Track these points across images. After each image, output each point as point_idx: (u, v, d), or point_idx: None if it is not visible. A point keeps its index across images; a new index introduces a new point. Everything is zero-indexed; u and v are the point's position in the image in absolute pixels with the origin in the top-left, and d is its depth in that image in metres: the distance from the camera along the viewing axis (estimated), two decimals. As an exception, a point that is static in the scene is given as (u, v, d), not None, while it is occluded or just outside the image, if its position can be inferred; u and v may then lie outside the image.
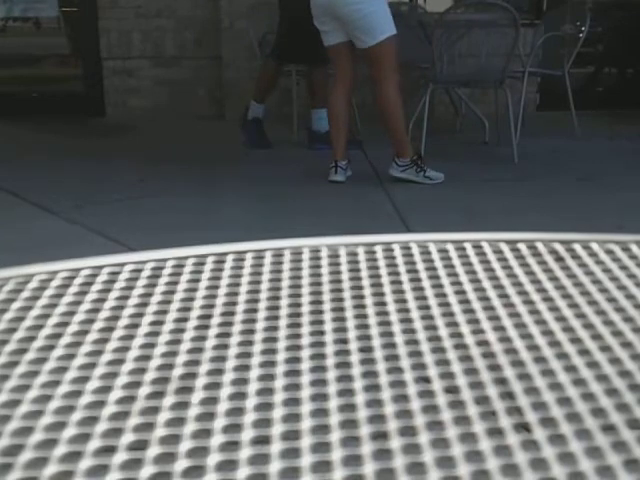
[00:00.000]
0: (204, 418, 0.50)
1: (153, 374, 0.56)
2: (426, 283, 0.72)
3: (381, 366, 0.57)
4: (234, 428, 0.49)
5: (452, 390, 0.53)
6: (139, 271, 0.74)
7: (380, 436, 0.48)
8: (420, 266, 0.76)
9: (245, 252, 0.79)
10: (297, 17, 4.86)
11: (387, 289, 0.71)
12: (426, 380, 0.55)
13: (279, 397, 0.52)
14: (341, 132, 4.42)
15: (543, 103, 6.64)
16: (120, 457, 0.46)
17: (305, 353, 0.59)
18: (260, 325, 0.63)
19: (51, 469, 0.45)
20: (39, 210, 3.96)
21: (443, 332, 0.62)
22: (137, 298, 0.69)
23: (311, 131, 5.31)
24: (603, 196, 4.16)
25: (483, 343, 0.60)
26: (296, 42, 5.07)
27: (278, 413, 0.50)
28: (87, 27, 6.59)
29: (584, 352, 0.59)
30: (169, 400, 0.52)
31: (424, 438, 0.47)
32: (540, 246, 0.80)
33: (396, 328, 0.63)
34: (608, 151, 5.30)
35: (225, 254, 0.79)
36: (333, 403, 0.52)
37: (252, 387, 0.54)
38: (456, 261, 0.77)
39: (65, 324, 0.64)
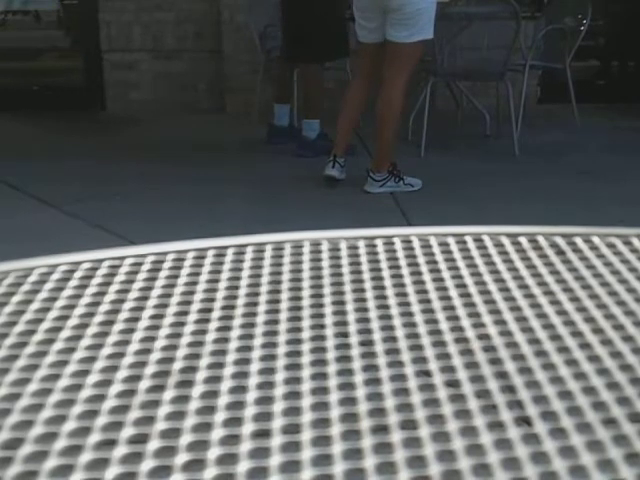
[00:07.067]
0: (204, 412, 0.50)
1: (153, 368, 0.56)
2: (427, 276, 0.72)
3: (382, 360, 0.57)
4: (234, 422, 0.49)
5: (453, 384, 0.53)
6: (139, 265, 0.74)
7: (381, 429, 0.48)
8: (421, 259, 0.76)
9: (245, 246, 0.79)
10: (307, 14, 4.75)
11: (388, 282, 0.71)
12: (427, 374, 0.54)
13: (279, 391, 0.52)
14: (346, 129, 4.31)
15: (544, 96, 6.62)
16: (120, 451, 0.46)
17: (305, 346, 0.59)
18: (260, 319, 0.63)
19: (51, 463, 0.45)
20: (39, 203, 3.96)
21: (444, 326, 0.62)
22: (137, 292, 0.69)
23: (300, 137, 5.21)
24: (604, 189, 4.15)
25: (484, 337, 0.60)
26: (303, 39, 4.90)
27: (278, 407, 0.50)
28: (87, 20, 6.57)
29: (585, 346, 0.59)
30: (169, 394, 0.52)
31: (425, 432, 0.47)
32: (541, 239, 0.80)
33: (397, 322, 0.63)
34: (609, 144, 5.28)
35: (225, 248, 0.79)
36: (333, 396, 0.51)
37: (252, 380, 0.54)
38: (457, 254, 0.77)
39: (65, 317, 0.64)
